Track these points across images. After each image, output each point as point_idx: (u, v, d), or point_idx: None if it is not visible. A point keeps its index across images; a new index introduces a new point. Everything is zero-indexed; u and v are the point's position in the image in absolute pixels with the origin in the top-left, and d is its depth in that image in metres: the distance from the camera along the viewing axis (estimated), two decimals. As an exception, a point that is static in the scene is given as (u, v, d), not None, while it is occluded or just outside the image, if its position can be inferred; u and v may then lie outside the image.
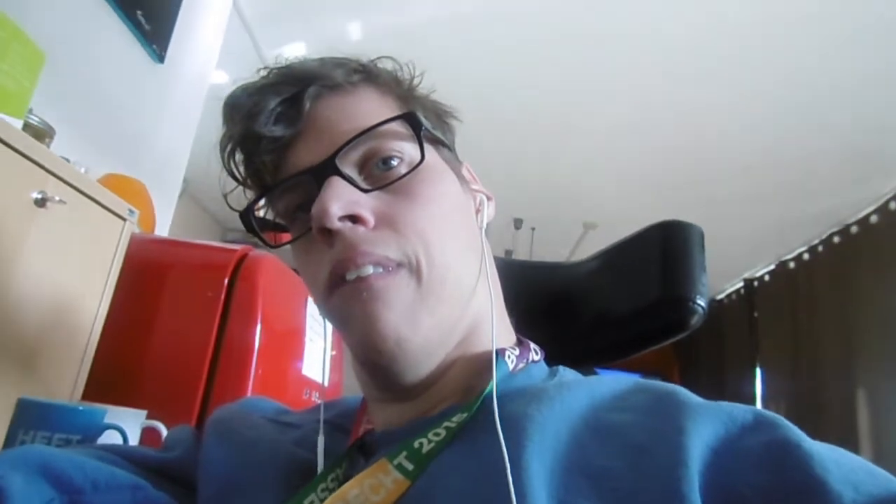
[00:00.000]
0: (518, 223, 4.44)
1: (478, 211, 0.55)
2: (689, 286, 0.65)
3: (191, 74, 2.21)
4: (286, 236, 0.52)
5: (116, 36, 1.77)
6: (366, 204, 0.46)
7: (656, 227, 0.71)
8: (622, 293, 0.71)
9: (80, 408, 0.71)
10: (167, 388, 1.24)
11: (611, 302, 0.72)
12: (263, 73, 0.52)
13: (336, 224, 0.44)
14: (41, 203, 0.93)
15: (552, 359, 0.55)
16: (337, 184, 0.45)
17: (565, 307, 0.76)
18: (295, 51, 3.09)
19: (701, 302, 0.65)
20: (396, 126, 0.48)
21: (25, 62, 1.01)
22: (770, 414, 0.38)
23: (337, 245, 0.45)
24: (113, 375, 1.17)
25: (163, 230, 2.00)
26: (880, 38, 2.42)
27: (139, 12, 1.80)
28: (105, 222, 1.10)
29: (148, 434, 0.84)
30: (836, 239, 3.78)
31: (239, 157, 0.52)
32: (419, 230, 0.46)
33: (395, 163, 0.48)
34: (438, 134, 0.53)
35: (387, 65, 0.55)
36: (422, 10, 2.70)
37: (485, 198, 0.57)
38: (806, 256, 4.10)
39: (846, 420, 3.46)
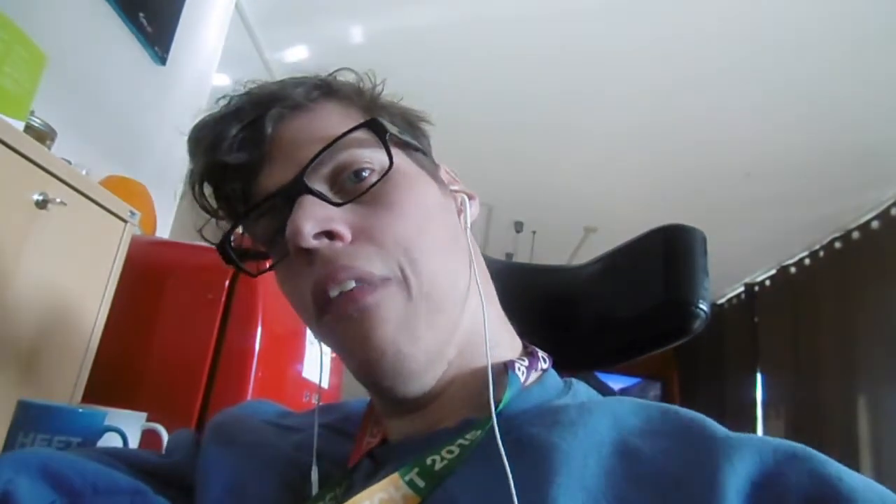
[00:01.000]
0: (519, 226, 4.44)
1: (460, 211, 0.53)
2: (692, 290, 0.65)
3: (192, 77, 2.21)
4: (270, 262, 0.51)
5: (118, 38, 1.77)
6: (340, 218, 0.45)
7: (659, 230, 0.71)
8: (624, 297, 0.71)
9: (81, 410, 0.71)
10: (168, 391, 1.24)
11: (612, 305, 0.72)
12: (224, 101, 0.51)
13: (311, 242, 0.43)
14: (42, 205, 0.93)
15: (553, 363, 0.54)
16: (308, 202, 0.44)
17: (566, 311, 0.75)
18: (297, 54, 3.10)
19: (703, 306, 0.64)
20: (362, 135, 0.47)
21: (27, 64, 1.01)
22: (800, 445, 0.37)
23: (316, 263, 0.44)
24: (113, 377, 1.17)
25: (164, 232, 2.01)
26: (882, 45, 2.43)
27: (141, 14, 1.81)
28: (106, 224, 1.10)
29: (148, 436, 0.83)
30: (837, 244, 3.77)
31: (209, 189, 0.51)
32: (400, 240, 0.45)
33: (366, 174, 0.47)
34: (408, 138, 0.52)
35: (349, 77, 0.54)
36: (424, 13, 2.71)
37: (466, 197, 0.54)
38: (807, 262, 4.10)
39: (847, 426, 3.46)
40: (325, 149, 0.46)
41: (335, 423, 0.56)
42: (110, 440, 0.70)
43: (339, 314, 0.44)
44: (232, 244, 0.49)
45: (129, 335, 1.25)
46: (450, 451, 0.41)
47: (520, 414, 0.43)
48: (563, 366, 0.54)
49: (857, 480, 0.34)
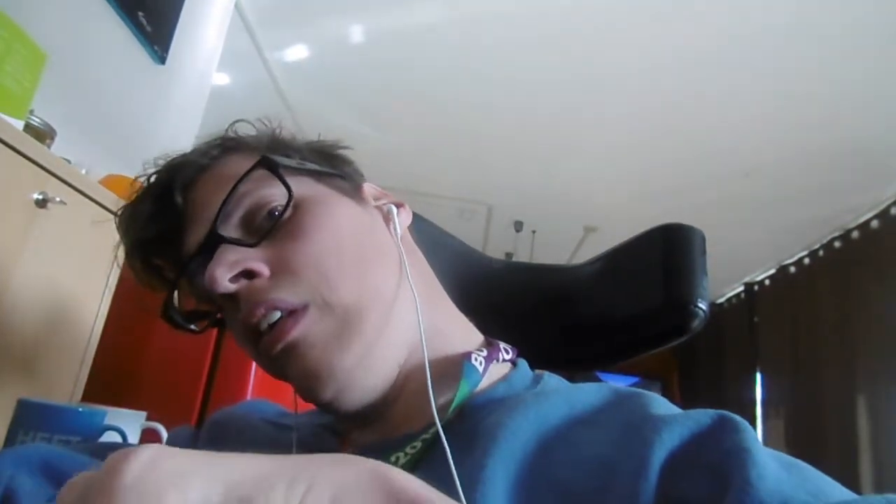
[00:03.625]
0: (519, 226, 4.44)
1: (388, 221, 0.54)
2: (691, 289, 0.65)
3: (192, 76, 2.21)
4: None
5: (118, 37, 1.77)
6: (255, 256, 0.46)
7: (658, 230, 0.71)
8: (623, 296, 0.71)
9: (80, 409, 0.71)
10: (167, 390, 1.24)
11: (612, 305, 0.72)
12: (144, 179, 0.55)
13: (229, 286, 0.45)
14: (42, 204, 0.93)
15: (552, 362, 0.54)
16: (222, 250, 0.46)
17: (566, 310, 0.75)
18: (297, 53, 3.09)
19: (702, 305, 0.65)
20: (261, 175, 0.47)
21: (27, 63, 1.01)
22: (734, 418, 0.37)
23: (240, 303, 0.46)
24: (113, 377, 1.17)
25: (163, 231, 2.00)
26: (881, 45, 2.42)
27: (140, 13, 1.80)
28: (106, 223, 1.10)
29: (148, 435, 0.83)
30: (836, 244, 3.77)
31: (139, 265, 0.55)
32: (314, 264, 0.46)
33: (277, 211, 0.48)
34: (315, 166, 0.53)
35: (252, 126, 0.56)
36: (424, 12, 2.70)
37: (393, 206, 0.55)
38: (807, 261, 4.10)
39: (847, 426, 3.46)
40: (227, 198, 0.47)
41: (332, 423, 0.56)
42: (110, 439, 0.70)
43: (270, 347, 0.45)
44: (176, 309, 0.51)
45: (129, 334, 1.25)
46: (413, 447, 0.42)
47: (484, 405, 0.45)
48: (563, 365, 0.54)
49: (765, 458, 0.34)
